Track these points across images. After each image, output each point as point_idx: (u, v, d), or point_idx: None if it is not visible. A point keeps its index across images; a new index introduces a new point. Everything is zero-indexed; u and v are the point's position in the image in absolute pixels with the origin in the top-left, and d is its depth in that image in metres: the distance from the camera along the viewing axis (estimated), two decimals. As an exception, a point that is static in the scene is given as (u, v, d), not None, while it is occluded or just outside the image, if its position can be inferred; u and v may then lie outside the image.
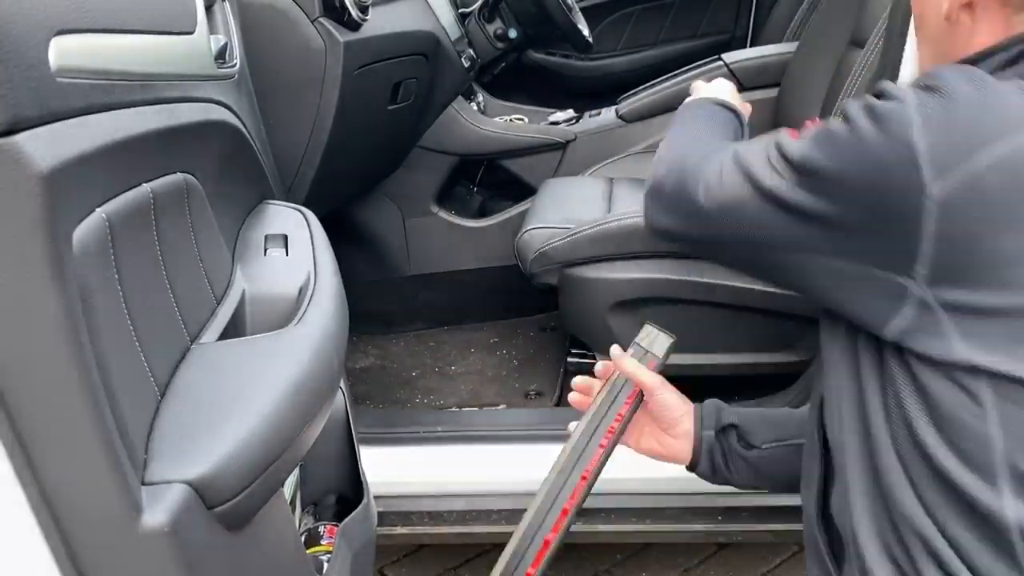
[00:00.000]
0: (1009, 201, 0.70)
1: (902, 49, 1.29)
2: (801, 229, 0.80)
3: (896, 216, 0.72)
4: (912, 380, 0.77)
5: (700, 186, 0.90)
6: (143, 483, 0.67)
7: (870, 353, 0.81)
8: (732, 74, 2.31)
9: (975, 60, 0.80)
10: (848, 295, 0.80)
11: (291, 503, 1.08)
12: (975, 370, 0.73)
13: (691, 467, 1.14)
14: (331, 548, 1.09)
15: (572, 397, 1.17)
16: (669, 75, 2.43)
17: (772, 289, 1.80)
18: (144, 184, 0.77)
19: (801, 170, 0.79)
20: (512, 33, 2.60)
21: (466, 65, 2.29)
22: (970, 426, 0.74)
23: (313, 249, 1.10)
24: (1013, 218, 0.70)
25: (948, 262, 0.72)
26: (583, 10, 2.80)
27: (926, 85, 0.73)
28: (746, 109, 1.21)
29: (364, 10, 1.63)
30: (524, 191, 2.41)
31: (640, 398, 1.10)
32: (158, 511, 0.66)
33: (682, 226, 0.95)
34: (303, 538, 1.11)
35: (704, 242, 0.94)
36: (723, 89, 1.22)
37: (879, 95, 0.76)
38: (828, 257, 0.79)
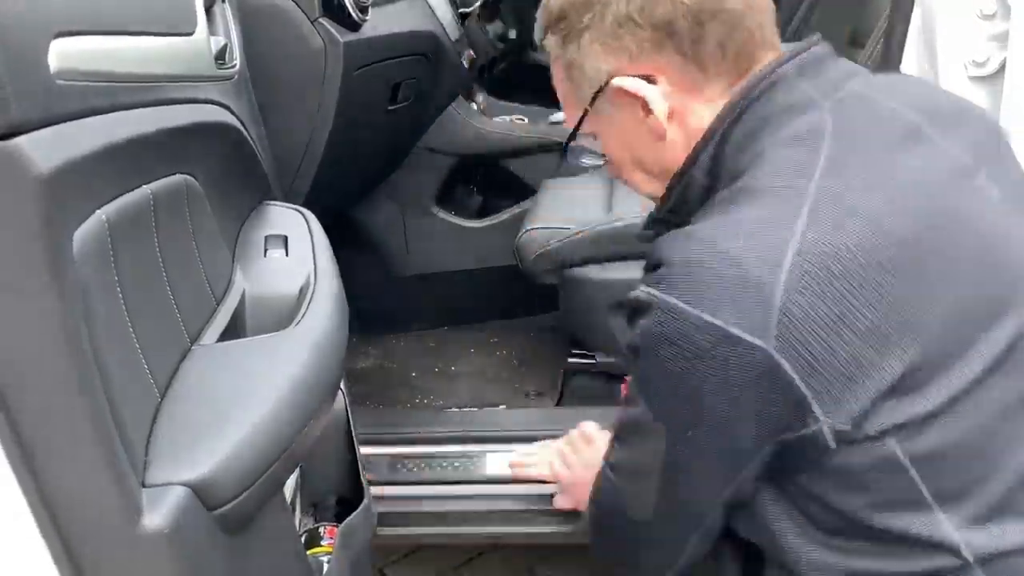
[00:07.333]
0: (816, 310, 0.70)
1: (902, 49, 1.29)
2: (726, 447, 0.77)
3: (767, 388, 0.71)
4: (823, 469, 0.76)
5: (623, 504, 0.89)
6: (143, 485, 0.67)
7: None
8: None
9: (689, 164, 0.85)
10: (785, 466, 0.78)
11: (291, 504, 1.08)
12: (883, 434, 0.73)
13: None
14: (331, 549, 1.09)
15: None
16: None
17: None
18: (144, 186, 0.77)
19: (663, 417, 0.79)
20: (512, 33, 2.59)
21: (466, 65, 2.29)
22: (892, 479, 0.75)
23: (313, 250, 1.10)
24: (835, 319, 0.70)
25: (824, 389, 0.71)
26: (583, 10, 2.79)
27: (658, 280, 0.74)
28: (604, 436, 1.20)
29: (364, 10, 1.63)
30: (524, 191, 2.41)
31: None
32: (158, 513, 0.66)
33: (645, 551, 0.91)
34: (303, 539, 1.11)
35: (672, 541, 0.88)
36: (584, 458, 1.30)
37: (633, 312, 0.77)
38: (756, 459, 0.77)
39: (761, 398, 0.72)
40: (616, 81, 0.84)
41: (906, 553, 0.77)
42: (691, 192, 0.87)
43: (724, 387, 0.72)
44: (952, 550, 0.75)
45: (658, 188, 0.92)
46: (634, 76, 0.84)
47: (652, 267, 0.77)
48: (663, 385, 0.77)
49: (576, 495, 1.27)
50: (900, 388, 0.72)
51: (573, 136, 0.93)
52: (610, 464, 0.91)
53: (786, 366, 0.70)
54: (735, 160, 0.82)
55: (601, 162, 0.97)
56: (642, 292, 0.76)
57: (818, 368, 0.70)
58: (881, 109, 0.82)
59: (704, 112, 0.84)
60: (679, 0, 0.80)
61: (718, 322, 0.70)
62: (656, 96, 0.84)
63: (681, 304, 0.72)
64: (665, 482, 0.82)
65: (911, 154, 0.79)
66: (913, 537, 0.76)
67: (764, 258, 0.70)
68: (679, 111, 0.85)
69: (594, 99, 0.87)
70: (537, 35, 0.91)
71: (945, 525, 0.75)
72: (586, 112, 0.89)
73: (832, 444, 0.72)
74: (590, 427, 1.37)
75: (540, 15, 0.90)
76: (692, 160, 0.85)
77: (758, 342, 0.69)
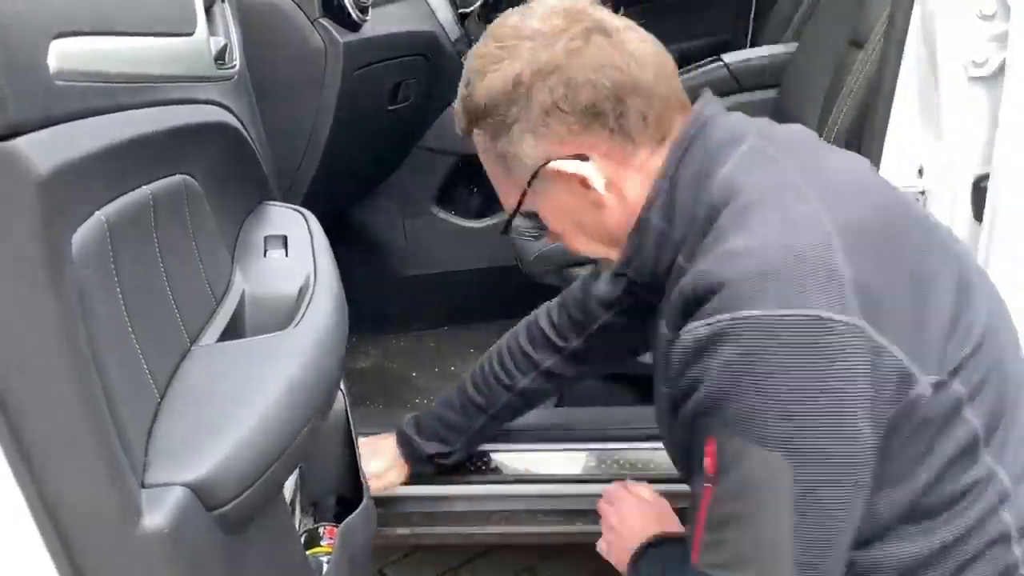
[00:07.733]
0: (873, 272, 0.76)
1: (902, 50, 1.29)
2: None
3: (870, 362, 0.73)
4: None
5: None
6: (142, 486, 0.67)
7: None
8: (732, 74, 2.31)
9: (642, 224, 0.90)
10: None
11: (291, 504, 1.08)
12: (952, 373, 0.80)
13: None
14: (331, 549, 1.09)
15: None
16: (669, 75, 2.42)
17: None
18: (144, 187, 0.77)
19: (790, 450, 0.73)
20: (512, 33, 2.58)
21: (466, 65, 2.29)
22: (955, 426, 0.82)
23: (313, 250, 1.10)
24: (889, 276, 0.77)
25: (909, 344, 0.76)
26: (583, 10, 2.78)
27: (724, 305, 0.73)
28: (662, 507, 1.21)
29: (364, 11, 1.63)
30: (524, 191, 2.40)
31: None
32: (157, 514, 0.66)
33: None
34: (303, 539, 1.11)
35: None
36: (642, 522, 1.15)
37: (700, 352, 0.74)
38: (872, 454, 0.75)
39: (869, 373, 0.71)
40: (553, 164, 0.88)
41: (964, 496, 0.81)
42: (648, 236, 0.90)
43: (836, 376, 0.70)
44: (996, 481, 0.82)
45: (601, 249, 0.97)
46: (568, 157, 0.88)
47: (698, 301, 0.75)
48: (776, 406, 0.71)
49: (613, 550, 1.19)
50: (953, 328, 0.79)
51: (513, 217, 0.97)
52: (711, 564, 0.78)
53: (874, 333, 0.72)
54: (693, 199, 0.86)
55: (537, 234, 1.02)
56: (709, 325, 0.73)
57: (897, 326, 0.73)
58: (781, 134, 0.92)
59: (637, 176, 0.90)
60: (600, 84, 0.85)
61: (811, 311, 0.70)
62: (592, 171, 0.88)
63: (767, 312, 0.70)
64: (802, 530, 0.74)
65: (834, 156, 0.93)
66: (965, 468, 0.81)
67: (813, 241, 0.74)
68: (614, 180, 0.90)
69: (531, 181, 0.91)
70: (459, 127, 0.94)
71: (988, 459, 0.82)
72: (525, 193, 0.93)
73: (927, 393, 0.75)
74: (646, 490, 1.26)
75: (462, 110, 0.92)
76: (648, 207, 0.89)
77: (848, 318, 0.71)
